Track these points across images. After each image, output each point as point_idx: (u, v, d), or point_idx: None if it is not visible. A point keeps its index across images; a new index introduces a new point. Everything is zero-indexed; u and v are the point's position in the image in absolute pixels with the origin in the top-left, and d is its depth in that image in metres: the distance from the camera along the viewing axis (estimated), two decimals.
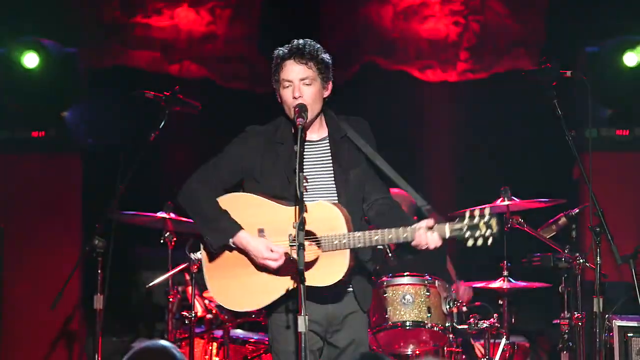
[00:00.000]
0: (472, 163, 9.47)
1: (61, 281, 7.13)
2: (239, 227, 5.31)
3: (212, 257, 5.44)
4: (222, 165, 5.48)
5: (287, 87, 5.36)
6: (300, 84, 5.35)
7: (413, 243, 5.20)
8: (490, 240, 5.19)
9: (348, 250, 5.24)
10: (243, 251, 5.34)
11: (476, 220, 5.18)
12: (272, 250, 5.23)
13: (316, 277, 5.23)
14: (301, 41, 5.42)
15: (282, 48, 5.43)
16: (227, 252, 5.39)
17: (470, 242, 5.19)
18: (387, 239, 5.21)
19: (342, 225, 5.24)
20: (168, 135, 7.16)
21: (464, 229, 5.18)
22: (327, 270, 5.25)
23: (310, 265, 5.22)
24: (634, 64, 8.83)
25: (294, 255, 5.04)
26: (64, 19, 9.01)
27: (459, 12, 9.22)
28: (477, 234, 5.17)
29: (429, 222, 5.17)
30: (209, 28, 9.30)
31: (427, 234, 5.15)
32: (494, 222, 5.18)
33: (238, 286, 5.39)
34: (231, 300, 5.44)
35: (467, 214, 5.20)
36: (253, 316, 7.42)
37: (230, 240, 5.31)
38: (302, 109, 5.30)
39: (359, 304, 5.46)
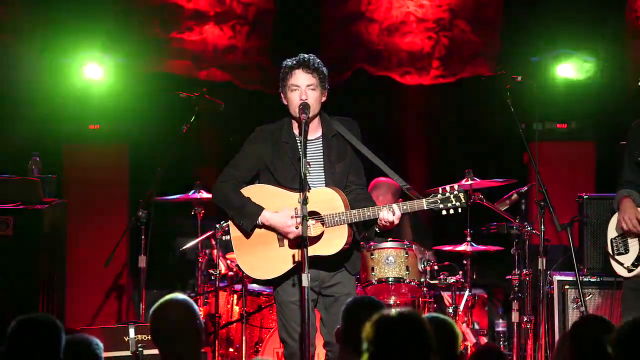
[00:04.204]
0: (442, 150, 9.46)
1: (112, 245, 7.15)
2: (262, 209, 5.32)
3: (239, 240, 5.43)
4: (239, 164, 5.49)
5: (295, 90, 5.37)
6: (307, 89, 5.36)
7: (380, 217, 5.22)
8: (460, 210, 5.27)
9: (346, 225, 5.26)
10: (265, 230, 5.34)
11: (447, 194, 5.24)
12: (292, 217, 5.23)
13: (323, 248, 5.27)
14: (307, 55, 5.43)
15: (290, 60, 5.44)
16: (251, 234, 5.38)
17: (444, 212, 5.27)
18: (377, 214, 5.22)
19: (341, 205, 5.27)
20: (197, 128, 7.14)
21: (438, 202, 5.25)
22: (331, 242, 5.28)
23: (317, 239, 5.26)
24: (568, 72, 8.80)
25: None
26: (117, 36, 8.97)
27: (432, 29, 9.17)
28: (449, 205, 5.24)
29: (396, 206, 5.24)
30: (231, 41, 9.25)
31: (389, 213, 5.20)
32: (461, 195, 5.26)
33: (262, 260, 5.38)
34: (258, 271, 5.43)
35: (440, 190, 5.26)
36: None
37: (258, 219, 5.31)
38: (305, 106, 5.32)
39: (346, 268, 5.45)
